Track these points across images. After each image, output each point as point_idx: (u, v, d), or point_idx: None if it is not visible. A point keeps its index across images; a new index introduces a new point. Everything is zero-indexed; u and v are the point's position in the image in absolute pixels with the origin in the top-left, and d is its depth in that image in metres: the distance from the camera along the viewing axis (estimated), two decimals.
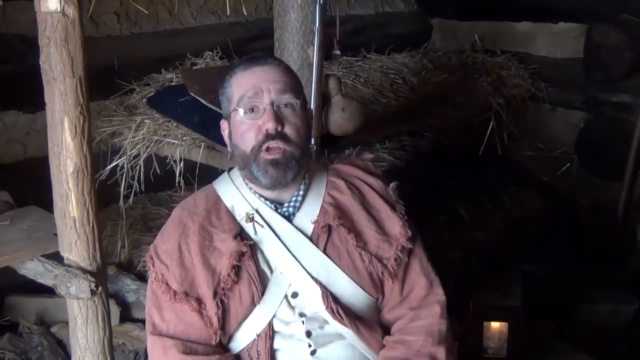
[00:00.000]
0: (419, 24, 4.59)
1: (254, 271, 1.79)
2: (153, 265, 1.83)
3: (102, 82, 2.84)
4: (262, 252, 1.83)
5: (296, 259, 1.83)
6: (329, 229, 1.86)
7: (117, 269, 3.01)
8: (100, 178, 2.66)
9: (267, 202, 1.86)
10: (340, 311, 1.80)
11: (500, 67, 4.13)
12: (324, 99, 2.37)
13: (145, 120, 2.86)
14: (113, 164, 2.80)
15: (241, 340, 1.82)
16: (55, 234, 2.07)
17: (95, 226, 2.05)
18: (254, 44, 3.54)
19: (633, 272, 3.59)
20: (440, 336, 1.86)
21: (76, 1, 1.89)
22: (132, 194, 2.88)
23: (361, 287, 1.85)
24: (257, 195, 1.87)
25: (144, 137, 2.80)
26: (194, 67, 3.35)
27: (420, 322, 1.88)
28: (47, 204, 2.12)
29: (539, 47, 4.25)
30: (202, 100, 2.78)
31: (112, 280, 2.89)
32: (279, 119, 1.77)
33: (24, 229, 2.22)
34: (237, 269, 1.76)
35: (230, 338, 1.83)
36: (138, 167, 2.80)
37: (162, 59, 3.34)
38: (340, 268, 1.84)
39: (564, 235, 3.80)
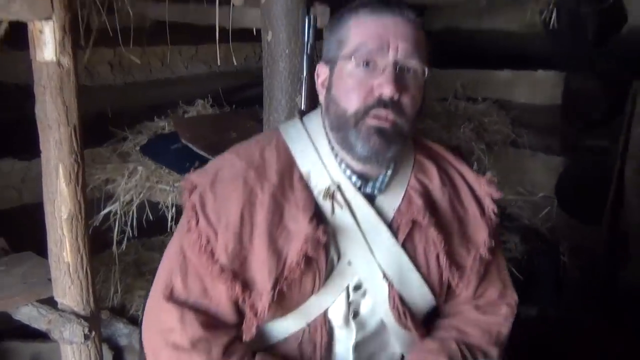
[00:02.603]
0: None
1: (322, 261, 1.49)
2: (197, 223, 1.49)
3: (96, 130, 2.83)
4: (334, 237, 1.52)
5: (370, 249, 1.54)
6: (414, 223, 1.57)
7: (110, 314, 2.98)
8: (94, 224, 2.64)
9: (353, 177, 1.54)
10: (407, 314, 1.57)
11: (481, 113, 4.16)
12: None
13: (138, 168, 2.85)
14: (106, 210, 2.79)
15: (288, 327, 1.56)
16: (50, 279, 2.06)
17: (88, 271, 2.03)
18: (243, 92, 3.56)
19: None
20: (499, 338, 1.67)
21: (71, 51, 1.90)
22: (125, 239, 2.85)
23: (431, 289, 1.60)
24: (343, 165, 1.55)
25: (136, 184, 2.79)
26: (185, 115, 3.36)
27: (483, 317, 1.68)
28: (42, 249, 2.10)
29: (519, 94, 4.28)
30: (193, 148, 2.79)
31: (105, 324, 2.85)
32: (399, 84, 1.44)
33: (19, 275, 2.18)
34: (307, 259, 1.46)
35: (276, 321, 1.56)
36: (131, 213, 2.78)
37: (155, 107, 3.35)
38: (416, 267, 1.57)
39: (546, 278, 3.79)
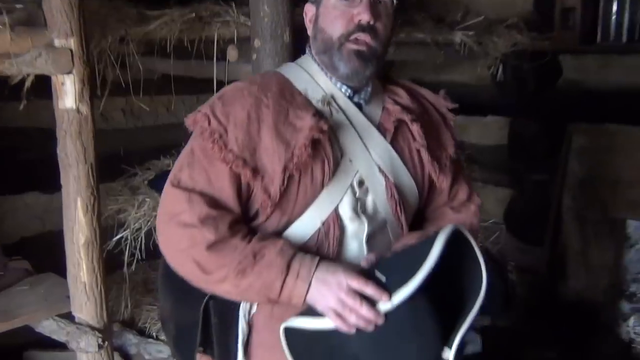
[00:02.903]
0: None
1: (329, 151, 1.50)
2: (209, 124, 1.47)
3: (110, 167, 2.83)
4: (335, 136, 1.53)
5: (367, 148, 1.56)
6: (398, 124, 1.62)
7: (121, 326, 2.96)
8: (108, 248, 2.63)
9: (344, 87, 1.58)
10: (401, 206, 1.59)
11: None
12: None
13: (146, 199, 2.85)
14: (118, 236, 2.78)
15: (306, 227, 1.50)
16: (68, 297, 2.04)
17: (102, 289, 2.02)
18: None
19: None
20: (472, 228, 1.69)
21: (88, 100, 1.91)
22: (135, 261, 2.84)
23: (417, 184, 1.63)
24: (333, 80, 1.59)
25: (145, 213, 2.78)
26: None
27: (457, 215, 1.71)
28: (62, 270, 2.09)
29: (472, 136, 4.32)
30: None
31: (116, 335, 2.82)
32: (374, 12, 1.51)
33: (41, 293, 2.16)
34: (314, 144, 1.46)
35: (292, 224, 1.51)
36: (140, 238, 2.77)
37: (161, 148, 3.34)
38: (404, 162, 1.60)
39: (496, 293, 3.80)
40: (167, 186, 1.50)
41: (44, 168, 2.22)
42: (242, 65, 2.39)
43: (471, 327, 1.37)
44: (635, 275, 3.84)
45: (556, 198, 3.78)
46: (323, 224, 1.50)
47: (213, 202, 1.44)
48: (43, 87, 1.95)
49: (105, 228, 2.43)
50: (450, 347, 1.35)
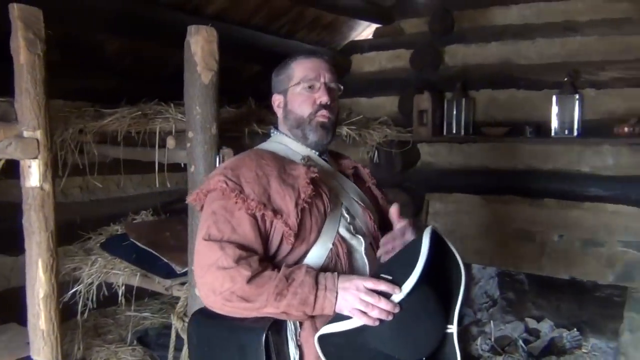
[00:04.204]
0: None
1: (324, 188, 1.56)
2: (227, 185, 1.46)
3: (68, 233, 2.72)
4: (322, 179, 1.58)
5: (342, 187, 1.66)
6: (355, 171, 1.77)
7: None
8: (64, 300, 2.46)
9: (313, 150, 1.67)
10: (374, 222, 1.66)
11: None
12: None
13: (98, 259, 2.71)
14: (73, 290, 2.61)
15: (321, 249, 1.50)
16: (28, 343, 1.90)
17: (58, 335, 1.91)
18: (175, 205, 3.49)
19: None
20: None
21: (51, 180, 1.85)
22: (87, 310, 2.67)
23: (375, 208, 1.73)
24: (304, 146, 1.67)
25: (97, 270, 2.64)
26: (133, 222, 3.25)
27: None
28: (23, 320, 1.96)
29: None
30: (138, 244, 2.68)
31: None
32: (330, 96, 1.63)
33: (4, 340, 2.00)
34: (313, 183, 1.50)
35: (310, 250, 1.50)
36: (92, 291, 2.62)
37: (112, 216, 3.21)
38: (366, 194, 1.72)
39: None
40: (199, 243, 1.46)
41: (10, 235, 2.10)
42: (178, 151, 2.37)
43: (462, 305, 1.41)
44: (480, 305, 3.97)
45: None
46: (333, 244, 1.51)
47: (241, 246, 1.42)
48: (13, 168, 1.87)
49: (62, 283, 2.30)
50: (451, 323, 1.39)
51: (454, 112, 3.65)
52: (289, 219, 1.45)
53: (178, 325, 2.37)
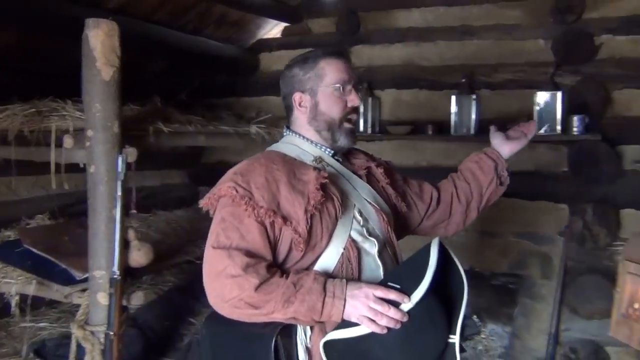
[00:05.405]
0: (191, 190, 4.51)
1: (335, 191, 1.53)
2: (237, 191, 1.44)
3: None
4: (333, 182, 1.55)
5: (355, 188, 1.63)
6: (368, 171, 1.72)
7: None
8: None
9: (327, 150, 1.65)
10: (388, 224, 1.63)
11: None
12: (125, 244, 2.25)
13: None
14: None
15: (332, 254, 1.48)
16: None
17: None
18: (73, 208, 3.30)
19: None
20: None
21: None
22: None
23: (391, 209, 1.71)
24: (318, 145, 1.65)
25: None
26: (28, 226, 3.05)
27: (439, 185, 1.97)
28: None
29: None
30: (33, 250, 2.53)
31: None
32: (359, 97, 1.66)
33: None
34: (323, 188, 1.48)
35: (321, 255, 1.48)
36: None
37: (3, 221, 3.00)
38: (379, 194, 1.69)
39: None
40: (208, 250, 1.45)
41: None
42: (77, 151, 2.26)
43: (465, 316, 1.41)
44: None
45: None
46: (344, 248, 1.49)
47: (249, 253, 1.41)
48: None
49: None
50: (454, 333, 1.39)
51: (361, 111, 3.73)
52: (298, 226, 1.44)
53: (79, 335, 2.24)
